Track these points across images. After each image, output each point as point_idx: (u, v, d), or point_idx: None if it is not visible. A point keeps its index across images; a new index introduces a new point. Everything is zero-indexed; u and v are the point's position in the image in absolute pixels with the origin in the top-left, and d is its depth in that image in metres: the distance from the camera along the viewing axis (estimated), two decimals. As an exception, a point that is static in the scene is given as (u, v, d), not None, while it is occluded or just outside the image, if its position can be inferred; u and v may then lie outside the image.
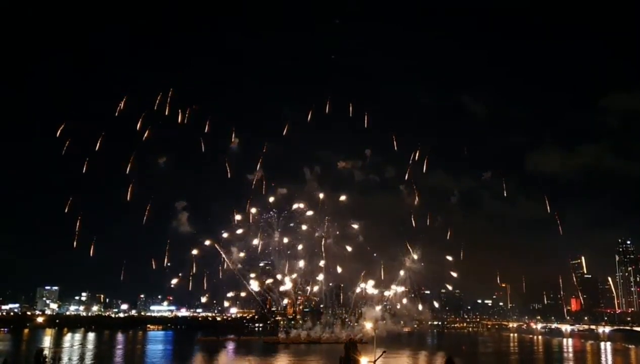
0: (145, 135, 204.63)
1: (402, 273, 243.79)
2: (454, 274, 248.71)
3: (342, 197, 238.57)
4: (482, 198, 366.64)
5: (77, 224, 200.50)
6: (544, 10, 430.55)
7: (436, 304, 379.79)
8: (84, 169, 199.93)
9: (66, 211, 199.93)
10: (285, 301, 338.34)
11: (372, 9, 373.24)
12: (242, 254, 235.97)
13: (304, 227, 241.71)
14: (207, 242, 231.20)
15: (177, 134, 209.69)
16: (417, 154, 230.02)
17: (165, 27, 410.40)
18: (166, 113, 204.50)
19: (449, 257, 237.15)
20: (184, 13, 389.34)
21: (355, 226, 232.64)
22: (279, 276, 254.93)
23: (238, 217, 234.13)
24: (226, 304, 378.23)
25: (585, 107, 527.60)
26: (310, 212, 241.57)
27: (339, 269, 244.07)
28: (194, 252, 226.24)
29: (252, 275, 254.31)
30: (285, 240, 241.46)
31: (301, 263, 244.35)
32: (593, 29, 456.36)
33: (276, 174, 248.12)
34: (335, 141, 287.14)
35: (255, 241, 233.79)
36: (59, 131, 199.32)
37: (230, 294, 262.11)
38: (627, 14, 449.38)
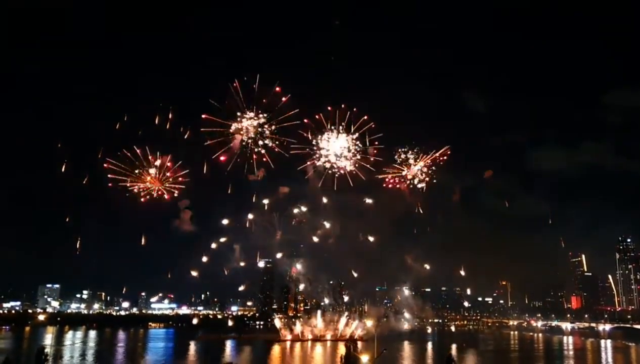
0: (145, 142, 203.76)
1: (403, 271, 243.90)
2: (469, 291, 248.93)
3: (369, 200, 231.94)
4: (482, 196, 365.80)
5: (78, 242, 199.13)
6: (543, 9, 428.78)
7: (453, 328, 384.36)
8: (85, 180, 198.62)
9: (67, 220, 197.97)
10: (287, 299, 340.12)
11: (371, 7, 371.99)
12: (243, 255, 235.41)
13: (306, 226, 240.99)
14: (209, 243, 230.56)
15: (178, 144, 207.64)
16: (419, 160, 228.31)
17: (163, 27, 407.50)
18: (167, 127, 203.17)
19: (462, 272, 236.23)
20: (179, 13, 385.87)
21: (372, 239, 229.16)
22: (280, 274, 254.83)
23: (238, 217, 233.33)
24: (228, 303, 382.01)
25: (587, 105, 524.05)
26: (312, 210, 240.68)
27: (341, 268, 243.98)
28: (195, 255, 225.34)
29: (253, 276, 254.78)
30: (287, 239, 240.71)
31: (303, 262, 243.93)
32: (593, 27, 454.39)
33: (277, 173, 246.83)
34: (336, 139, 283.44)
35: (257, 241, 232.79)
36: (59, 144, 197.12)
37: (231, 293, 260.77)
38: (627, 12, 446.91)
